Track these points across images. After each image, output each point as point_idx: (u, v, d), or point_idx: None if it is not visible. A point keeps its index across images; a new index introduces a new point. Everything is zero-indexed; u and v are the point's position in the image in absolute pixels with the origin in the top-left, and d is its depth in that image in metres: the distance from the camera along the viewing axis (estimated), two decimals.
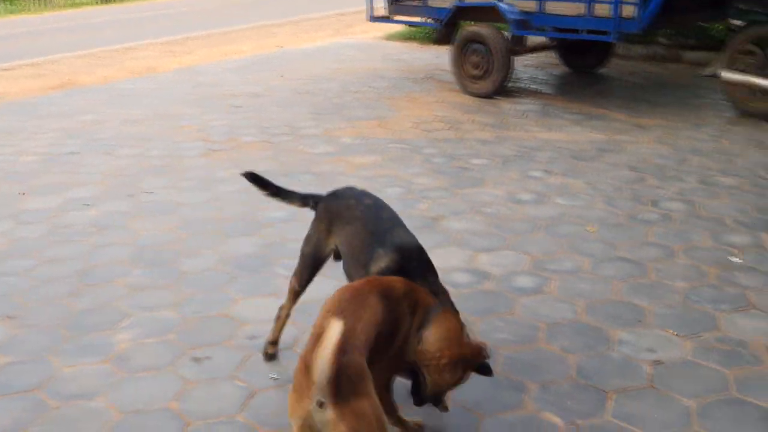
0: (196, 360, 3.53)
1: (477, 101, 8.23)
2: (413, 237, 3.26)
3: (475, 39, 8.19)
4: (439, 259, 4.43)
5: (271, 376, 3.38)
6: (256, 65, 11.01)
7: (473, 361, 2.66)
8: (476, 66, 8.31)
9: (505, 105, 8.06)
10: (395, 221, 3.32)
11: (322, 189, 5.59)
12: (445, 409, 3.01)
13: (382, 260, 3.03)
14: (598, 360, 3.43)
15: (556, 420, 3.01)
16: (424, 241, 4.75)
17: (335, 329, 2.10)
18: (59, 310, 4.06)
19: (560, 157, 6.28)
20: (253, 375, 3.40)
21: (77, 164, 6.57)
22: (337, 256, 3.37)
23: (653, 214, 5.08)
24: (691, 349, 3.49)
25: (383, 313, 2.51)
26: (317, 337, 2.22)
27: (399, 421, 2.82)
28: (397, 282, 2.71)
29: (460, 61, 8.45)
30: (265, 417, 3.10)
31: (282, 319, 3.49)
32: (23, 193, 5.89)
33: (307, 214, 5.14)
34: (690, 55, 9.86)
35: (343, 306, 2.46)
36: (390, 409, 2.70)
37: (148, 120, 8.01)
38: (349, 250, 3.24)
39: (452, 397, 3.07)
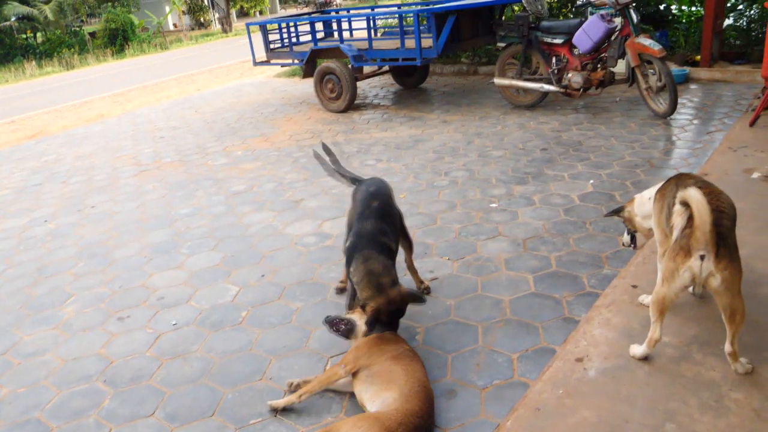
0: (120, 319, 3.58)
1: (335, 116, 8.28)
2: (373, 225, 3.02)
3: (328, 71, 8.22)
4: (297, 228, 4.63)
5: (173, 323, 3.45)
6: (178, 105, 10.75)
7: None
8: (332, 90, 8.35)
9: (355, 116, 8.17)
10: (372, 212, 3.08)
11: (218, 190, 5.69)
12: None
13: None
14: None
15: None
16: (289, 217, 4.94)
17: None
18: (24, 297, 4.02)
19: (388, 149, 6.43)
20: (159, 324, 3.46)
21: (39, 192, 6.36)
22: None
23: (444, 181, 5.26)
24: (457, 267, 3.72)
25: None
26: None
27: None
28: None
29: (320, 87, 8.46)
30: (166, 350, 3.19)
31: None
32: None
33: (208, 209, 5.23)
34: (483, 69, 10.15)
35: None
36: None
37: (95, 154, 7.77)
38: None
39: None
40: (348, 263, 2.95)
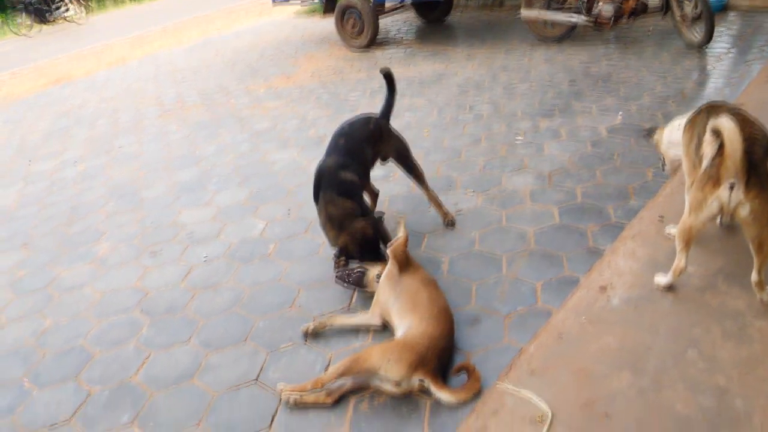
0: (153, 254, 3.69)
1: (357, 53, 8.16)
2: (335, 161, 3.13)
3: (349, 7, 8.05)
4: None
5: (203, 257, 3.54)
6: (198, 47, 10.67)
7: None
8: (353, 27, 8.21)
9: (377, 52, 8.04)
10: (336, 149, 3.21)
11: (241, 129, 5.71)
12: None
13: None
14: (420, 215, 3.64)
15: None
16: (313, 153, 4.96)
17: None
18: (59, 236, 4.15)
19: (411, 85, 6.34)
20: (190, 258, 3.55)
21: (67, 136, 6.46)
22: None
23: (469, 115, 5.21)
24: (482, 200, 3.71)
25: None
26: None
27: None
28: None
29: (341, 24, 8.32)
30: (198, 282, 3.29)
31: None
32: (30, 161, 5.82)
33: (232, 148, 5.26)
34: (509, 2, 9.83)
35: None
36: None
37: (118, 97, 7.82)
38: None
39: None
40: (314, 197, 3.11)
